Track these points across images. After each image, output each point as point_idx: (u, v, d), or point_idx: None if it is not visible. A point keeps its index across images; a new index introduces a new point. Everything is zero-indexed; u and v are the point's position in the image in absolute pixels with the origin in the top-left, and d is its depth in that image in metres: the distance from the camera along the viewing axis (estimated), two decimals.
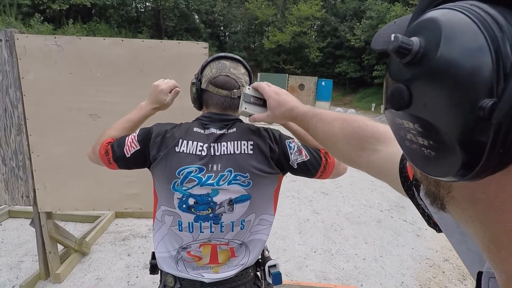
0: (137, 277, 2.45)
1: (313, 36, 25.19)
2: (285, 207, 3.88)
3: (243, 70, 1.00)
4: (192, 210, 0.93)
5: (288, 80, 16.16)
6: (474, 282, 0.31)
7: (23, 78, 1.91)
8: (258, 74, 16.51)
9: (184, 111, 1.50)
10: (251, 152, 0.93)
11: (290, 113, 0.79)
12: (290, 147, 0.96)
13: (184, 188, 0.91)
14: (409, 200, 0.47)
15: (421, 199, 0.43)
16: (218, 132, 0.95)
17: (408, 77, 0.23)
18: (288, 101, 0.82)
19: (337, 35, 23.04)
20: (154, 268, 1.05)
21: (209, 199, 0.92)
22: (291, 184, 4.61)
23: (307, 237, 3.23)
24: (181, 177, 0.91)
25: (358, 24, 20.28)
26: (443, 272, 2.75)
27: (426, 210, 0.42)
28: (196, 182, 0.91)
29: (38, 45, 1.87)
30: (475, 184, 0.22)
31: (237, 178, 0.91)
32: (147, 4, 25.69)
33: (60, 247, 2.40)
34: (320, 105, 15.14)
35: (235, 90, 0.96)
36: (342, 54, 22.92)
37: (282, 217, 3.60)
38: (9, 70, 1.89)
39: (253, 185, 0.92)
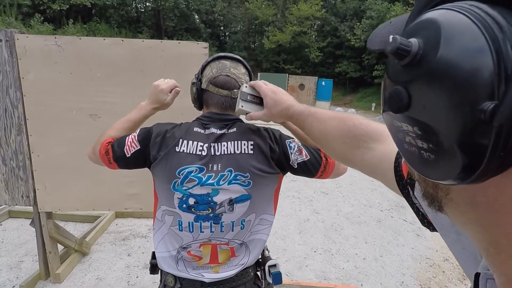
0: (137, 277, 2.45)
1: (313, 36, 25.16)
2: (285, 207, 3.88)
3: (243, 70, 1.00)
4: (192, 210, 0.93)
5: (288, 80, 16.16)
6: (470, 282, 0.31)
7: (23, 78, 1.91)
8: (258, 74, 16.50)
9: (184, 111, 1.50)
10: (252, 152, 0.93)
11: (286, 112, 0.79)
12: (290, 147, 0.96)
13: (184, 188, 0.91)
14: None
15: (416, 198, 0.43)
16: (219, 132, 0.95)
17: (407, 79, 0.23)
18: (284, 100, 0.82)
19: (337, 35, 23.02)
20: (154, 268, 1.05)
21: (209, 199, 0.92)
22: (291, 184, 4.61)
23: (307, 237, 3.23)
24: (181, 177, 0.91)
25: (358, 24, 20.25)
26: (443, 271, 2.75)
27: (420, 209, 0.42)
28: (196, 182, 0.91)
29: (38, 45, 1.87)
30: (474, 187, 0.22)
31: (237, 178, 0.91)
32: (147, 4, 25.69)
33: (60, 247, 2.40)
34: (320, 104, 15.14)
35: (236, 90, 0.96)
36: (342, 54, 22.90)
37: (282, 217, 3.60)
38: (9, 70, 1.89)
39: (253, 185, 0.92)
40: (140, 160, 0.97)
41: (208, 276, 0.97)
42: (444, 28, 0.21)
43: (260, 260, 1.08)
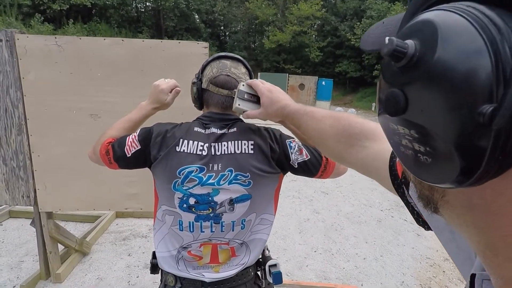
0: (137, 277, 2.45)
1: (313, 35, 25.15)
2: (286, 207, 3.88)
3: (243, 70, 1.00)
4: (193, 209, 0.93)
5: (288, 79, 16.16)
6: (465, 282, 0.31)
7: (23, 78, 1.91)
8: (258, 73, 16.50)
9: (184, 110, 1.50)
10: (252, 151, 0.93)
11: (282, 111, 0.79)
12: (290, 147, 0.96)
13: (184, 188, 0.91)
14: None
15: (411, 197, 0.43)
16: (219, 131, 0.95)
17: (403, 82, 0.22)
18: (281, 99, 0.82)
19: (338, 34, 23.00)
20: (154, 268, 1.05)
21: (210, 198, 0.92)
22: (292, 183, 4.60)
23: (308, 237, 3.23)
24: (182, 176, 0.91)
25: (358, 23, 20.24)
26: (444, 271, 2.75)
27: (415, 208, 0.42)
28: (196, 182, 0.91)
29: (38, 45, 1.87)
30: (471, 189, 0.21)
31: (238, 177, 0.91)
32: (147, 4, 25.68)
33: (60, 247, 2.40)
34: (321, 104, 15.13)
35: (236, 90, 0.96)
36: (342, 54, 22.89)
37: (283, 216, 3.60)
38: (10, 70, 1.89)
39: (254, 184, 0.92)
40: (140, 160, 0.97)
41: (209, 275, 0.97)
42: (441, 29, 0.20)
43: (261, 259, 1.08)
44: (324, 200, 4.25)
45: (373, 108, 16.96)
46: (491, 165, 0.19)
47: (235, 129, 0.96)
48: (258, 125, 1.01)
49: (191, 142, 0.93)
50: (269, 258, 1.07)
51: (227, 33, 29.37)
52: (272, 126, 1.03)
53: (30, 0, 18.14)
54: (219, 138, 0.94)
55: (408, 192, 0.43)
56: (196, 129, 0.96)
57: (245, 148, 0.93)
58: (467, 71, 0.19)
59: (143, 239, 3.00)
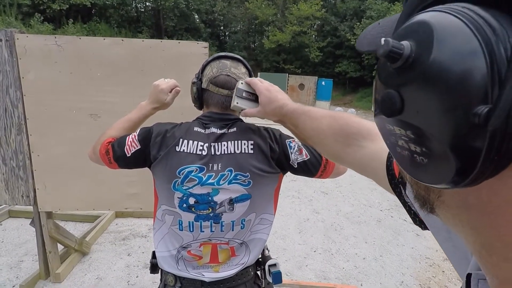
0: (137, 276, 2.45)
1: (313, 35, 25.14)
2: (285, 207, 3.89)
3: (243, 70, 1.00)
4: (193, 209, 0.93)
5: (288, 79, 16.15)
6: (462, 279, 0.31)
7: (23, 78, 1.91)
8: (258, 73, 16.50)
9: (184, 110, 1.50)
10: (252, 151, 0.93)
11: (280, 110, 0.79)
12: (290, 147, 0.96)
13: (184, 188, 0.91)
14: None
15: (408, 197, 0.43)
16: (219, 131, 0.95)
17: (399, 83, 0.22)
18: (279, 98, 0.82)
19: (337, 34, 23.00)
20: (154, 267, 1.05)
21: (210, 198, 0.92)
22: (291, 183, 4.61)
23: (307, 237, 3.23)
24: (182, 176, 0.91)
25: (358, 23, 20.23)
26: (443, 271, 2.75)
27: (412, 208, 0.42)
28: (196, 182, 0.91)
29: (38, 45, 1.87)
30: (467, 189, 0.22)
31: (238, 177, 0.92)
32: (147, 4, 25.67)
33: (60, 247, 2.40)
34: (320, 104, 15.13)
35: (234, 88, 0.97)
36: (342, 54, 22.88)
37: (282, 216, 3.60)
38: (9, 70, 1.89)
39: (254, 184, 0.92)
40: (140, 159, 0.97)
41: (208, 275, 0.97)
42: (436, 31, 0.20)
43: (260, 259, 1.08)
44: (324, 200, 4.25)
45: (372, 108, 16.94)
46: (486, 165, 0.19)
47: (235, 129, 0.96)
48: (258, 125, 1.01)
49: (191, 142, 0.93)
50: (269, 257, 1.07)
51: (227, 33, 29.36)
52: (272, 126, 1.03)
53: (29, 0, 18.14)
54: (219, 138, 0.94)
55: (405, 192, 0.44)
56: (196, 129, 0.96)
57: (245, 148, 0.93)
58: (462, 72, 0.19)
59: (143, 239, 3.00)
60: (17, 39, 1.86)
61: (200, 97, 1.00)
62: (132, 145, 0.96)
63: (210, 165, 0.92)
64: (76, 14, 20.94)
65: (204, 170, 0.92)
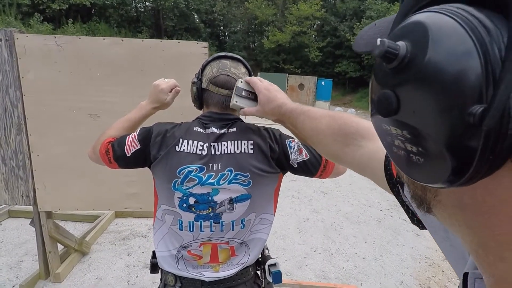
0: (137, 276, 2.45)
1: (313, 35, 25.15)
2: (285, 207, 3.89)
3: (243, 70, 1.00)
4: (193, 209, 0.93)
5: (288, 79, 16.15)
6: (459, 280, 0.31)
7: (23, 77, 1.91)
8: (258, 73, 16.47)
9: (184, 110, 1.51)
10: (252, 151, 0.93)
11: (279, 110, 0.80)
12: (290, 147, 0.97)
13: (184, 188, 0.91)
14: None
15: (405, 196, 0.43)
16: (219, 131, 0.95)
17: (395, 83, 0.22)
18: (278, 98, 0.82)
19: (337, 34, 23.00)
20: (154, 267, 1.05)
21: (210, 198, 0.92)
22: (291, 183, 4.61)
23: (307, 237, 3.23)
24: (182, 176, 0.91)
25: (358, 23, 20.24)
26: (443, 271, 2.76)
27: (410, 207, 0.42)
28: (196, 182, 0.91)
29: (38, 45, 1.87)
30: (462, 189, 0.22)
31: (238, 177, 0.92)
32: (147, 3, 25.66)
33: (60, 247, 2.40)
34: (320, 104, 15.13)
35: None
36: (342, 54, 22.89)
37: (282, 216, 3.60)
38: (9, 70, 1.89)
39: (253, 184, 0.92)
40: (140, 159, 0.97)
41: (208, 275, 0.97)
42: (431, 31, 0.20)
43: (260, 259, 1.08)
44: (324, 200, 4.25)
45: (369, 109, 16.93)
46: (481, 165, 0.19)
47: (234, 128, 0.96)
48: (258, 124, 1.01)
49: (191, 141, 0.93)
50: (269, 257, 1.07)
51: (226, 33, 29.36)
52: (272, 126, 1.03)
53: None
54: (218, 138, 0.94)
55: (403, 191, 0.44)
56: (196, 128, 0.96)
57: (244, 148, 0.93)
58: (457, 72, 0.19)
59: (143, 238, 3.00)
60: (17, 39, 1.85)
61: (200, 97, 1.00)
62: (132, 145, 0.96)
63: (210, 165, 0.92)
64: (76, 14, 20.93)
65: (204, 170, 0.92)
